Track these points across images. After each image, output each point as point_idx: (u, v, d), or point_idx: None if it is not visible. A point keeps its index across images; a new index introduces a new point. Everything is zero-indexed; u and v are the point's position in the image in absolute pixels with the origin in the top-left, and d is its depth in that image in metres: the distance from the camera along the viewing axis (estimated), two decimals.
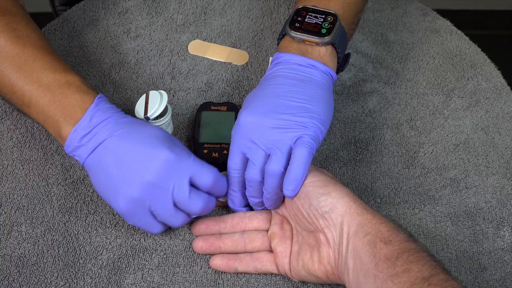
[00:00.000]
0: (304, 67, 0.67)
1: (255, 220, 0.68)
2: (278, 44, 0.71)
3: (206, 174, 0.63)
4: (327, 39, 0.67)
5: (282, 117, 0.63)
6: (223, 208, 0.72)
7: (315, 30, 0.68)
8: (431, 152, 0.77)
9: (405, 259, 0.54)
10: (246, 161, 0.65)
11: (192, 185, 0.64)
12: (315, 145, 0.63)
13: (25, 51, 0.68)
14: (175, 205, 0.63)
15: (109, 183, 0.63)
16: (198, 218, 0.70)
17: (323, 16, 0.69)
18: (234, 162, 0.66)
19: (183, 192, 0.62)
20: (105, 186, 0.64)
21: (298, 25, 0.68)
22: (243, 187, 0.67)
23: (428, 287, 0.52)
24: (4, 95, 0.71)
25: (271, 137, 0.63)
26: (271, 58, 0.83)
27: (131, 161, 0.63)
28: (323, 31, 0.68)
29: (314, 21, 0.68)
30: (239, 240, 0.67)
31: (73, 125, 0.64)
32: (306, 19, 0.69)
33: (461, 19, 1.01)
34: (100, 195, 0.66)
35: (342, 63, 0.71)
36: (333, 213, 0.60)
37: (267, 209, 0.69)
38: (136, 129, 0.65)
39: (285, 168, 0.63)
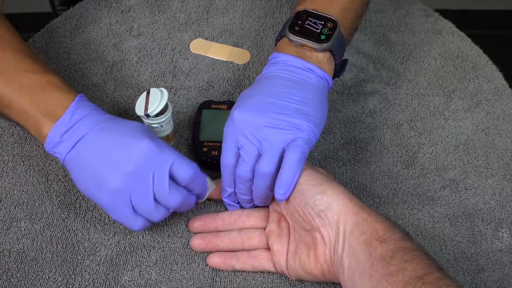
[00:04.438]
0: (301, 69, 0.67)
1: (253, 218, 0.68)
2: (275, 44, 0.71)
3: (185, 167, 0.63)
4: (325, 45, 0.67)
5: (277, 116, 0.63)
6: (221, 206, 0.72)
7: (314, 36, 0.68)
8: (431, 153, 0.77)
9: (399, 258, 0.54)
10: (238, 158, 0.65)
11: (171, 179, 0.63)
12: (308, 149, 0.63)
13: (6, 55, 0.69)
14: (154, 197, 0.63)
15: (91, 177, 0.63)
16: (196, 215, 0.70)
17: (323, 22, 0.69)
18: (227, 158, 0.65)
19: (163, 183, 0.62)
20: (87, 181, 0.64)
21: (297, 28, 0.68)
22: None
23: (422, 286, 0.52)
24: None
25: (264, 135, 0.63)
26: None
27: (111, 153, 0.62)
28: (322, 37, 0.67)
29: (314, 26, 0.68)
30: (237, 238, 0.67)
31: (54, 122, 0.64)
32: (305, 24, 0.69)
33: (463, 19, 1.01)
34: (83, 191, 0.65)
35: (339, 69, 0.71)
36: (329, 211, 0.60)
37: (256, 206, 0.69)
38: (116, 123, 0.65)
39: (276, 170, 0.62)
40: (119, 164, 0.62)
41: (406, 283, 0.53)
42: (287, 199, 0.63)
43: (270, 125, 0.63)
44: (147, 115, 0.71)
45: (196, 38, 0.90)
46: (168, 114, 0.73)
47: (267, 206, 0.69)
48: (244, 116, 0.64)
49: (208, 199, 0.71)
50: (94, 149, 0.63)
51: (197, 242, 0.68)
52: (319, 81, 0.67)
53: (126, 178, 0.62)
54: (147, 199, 0.63)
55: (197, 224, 0.69)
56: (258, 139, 0.63)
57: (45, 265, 0.67)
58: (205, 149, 0.74)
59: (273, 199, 0.67)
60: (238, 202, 0.70)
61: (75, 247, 0.69)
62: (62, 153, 0.65)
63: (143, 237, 0.69)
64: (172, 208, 0.64)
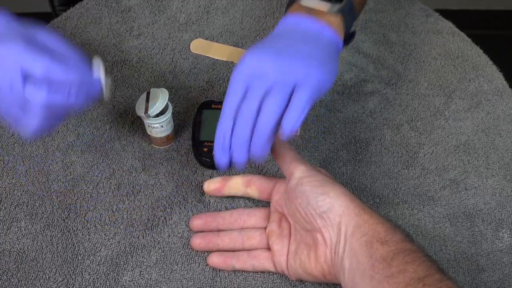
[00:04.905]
0: (313, 27, 0.65)
1: (254, 217, 0.68)
2: (285, 12, 0.70)
3: (37, 61, 0.58)
4: (337, 6, 0.66)
5: (289, 60, 0.61)
6: (221, 205, 0.72)
7: None
8: (431, 153, 0.77)
9: (400, 260, 0.54)
10: (243, 99, 0.61)
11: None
12: (316, 95, 0.61)
13: None
14: (20, 103, 0.59)
15: None
16: (196, 213, 0.70)
17: None
18: (231, 98, 0.62)
19: (16, 83, 0.57)
20: None
21: None
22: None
23: (423, 287, 0.52)
24: None
25: (275, 77, 0.60)
26: None
27: None
28: None
29: None
30: (237, 237, 0.67)
31: None
32: None
33: (463, 19, 1.01)
34: None
35: (347, 38, 0.70)
36: (331, 213, 0.60)
37: (248, 161, 0.64)
38: (11, 30, 0.61)
39: (283, 109, 0.60)
40: None
41: (406, 284, 0.53)
42: (290, 199, 0.63)
43: (281, 67, 0.61)
44: (148, 115, 0.71)
45: (196, 38, 0.90)
46: (168, 114, 0.73)
47: (267, 206, 0.69)
48: (256, 58, 0.62)
49: (209, 195, 0.71)
50: None
51: (197, 241, 0.68)
52: (331, 39, 0.66)
53: None
54: (10, 104, 0.59)
55: (197, 222, 0.69)
56: (268, 80, 0.61)
57: (45, 265, 0.67)
58: (205, 149, 0.74)
59: (272, 194, 0.67)
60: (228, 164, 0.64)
61: (75, 247, 0.69)
62: None
63: (143, 237, 0.69)
64: (39, 105, 0.58)
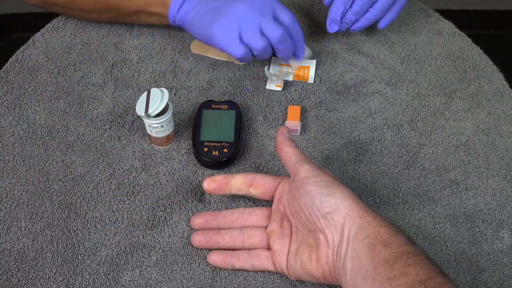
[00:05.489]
0: None
1: (254, 216, 0.68)
2: None
3: (286, 12, 0.78)
4: None
5: None
6: (221, 204, 0.72)
7: None
8: (432, 153, 0.77)
9: (403, 262, 0.54)
10: None
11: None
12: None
13: None
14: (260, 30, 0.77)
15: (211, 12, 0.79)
16: (197, 212, 0.70)
17: None
18: None
19: (269, 16, 0.77)
20: (205, 18, 0.80)
21: None
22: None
23: None
24: None
25: None
26: (266, 67, 0.83)
27: None
28: None
29: None
30: (238, 236, 0.67)
31: None
32: None
33: (463, 19, 1.01)
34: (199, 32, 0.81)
35: None
36: (335, 214, 0.60)
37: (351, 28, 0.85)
38: None
39: (388, 7, 0.83)
40: None
41: (408, 286, 0.52)
42: (294, 198, 0.63)
43: None
44: (148, 115, 0.71)
45: None
46: (168, 114, 0.73)
47: (270, 205, 0.69)
48: None
49: (209, 193, 0.71)
50: None
51: (197, 239, 0.68)
52: None
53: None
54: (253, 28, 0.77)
55: (198, 220, 0.69)
56: None
57: (45, 265, 0.67)
58: (205, 149, 0.74)
59: (275, 194, 0.68)
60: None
61: (75, 247, 0.68)
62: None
63: (143, 237, 0.69)
64: (274, 39, 0.77)
